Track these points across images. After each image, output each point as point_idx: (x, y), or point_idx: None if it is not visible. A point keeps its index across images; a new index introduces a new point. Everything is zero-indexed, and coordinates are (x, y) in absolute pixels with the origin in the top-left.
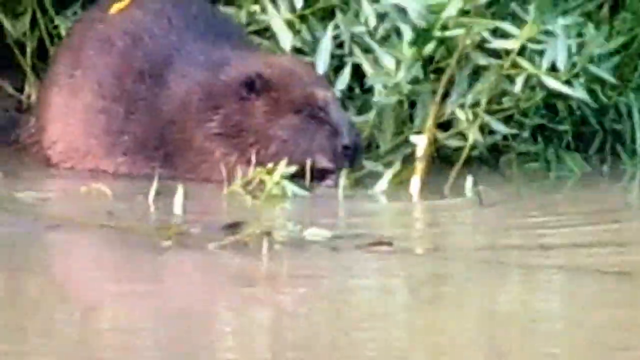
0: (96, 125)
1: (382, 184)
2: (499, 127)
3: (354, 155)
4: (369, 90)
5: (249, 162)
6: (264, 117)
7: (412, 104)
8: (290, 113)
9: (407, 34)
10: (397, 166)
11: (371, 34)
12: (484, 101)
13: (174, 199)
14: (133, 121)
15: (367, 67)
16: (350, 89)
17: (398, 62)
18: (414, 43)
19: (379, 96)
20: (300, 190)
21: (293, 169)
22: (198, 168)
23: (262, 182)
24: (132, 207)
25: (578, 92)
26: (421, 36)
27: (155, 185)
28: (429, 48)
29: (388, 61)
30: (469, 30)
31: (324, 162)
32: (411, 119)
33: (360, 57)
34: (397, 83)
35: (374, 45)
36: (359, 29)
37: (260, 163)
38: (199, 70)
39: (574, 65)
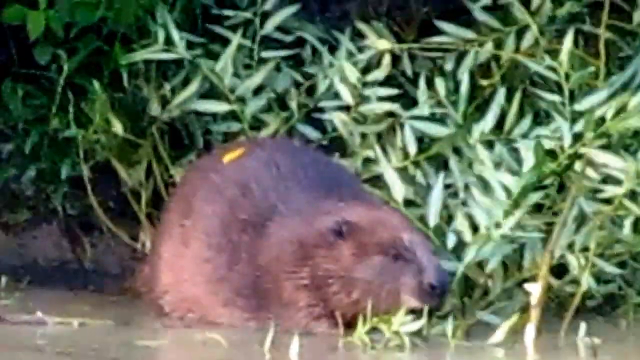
0: (202, 275)
1: (499, 336)
2: (611, 269)
3: (441, 295)
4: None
5: (332, 311)
6: (349, 261)
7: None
8: (376, 255)
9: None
10: (514, 318)
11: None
12: (593, 245)
13: (289, 348)
14: (234, 272)
15: (465, 232)
16: None
17: (507, 213)
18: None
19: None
20: (417, 339)
21: (409, 318)
22: (281, 318)
23: (379, 330)
24: (247, 356)
25: None
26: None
27: (271, 333)
28: (536, 197)
29: (483, 220)
30: (581, 179)
31: (411, 302)
32: (519, 263)
33: (474, 207)
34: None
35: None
36: (473, 178)
37: (344, 309)
38: (297, 221)
39: None
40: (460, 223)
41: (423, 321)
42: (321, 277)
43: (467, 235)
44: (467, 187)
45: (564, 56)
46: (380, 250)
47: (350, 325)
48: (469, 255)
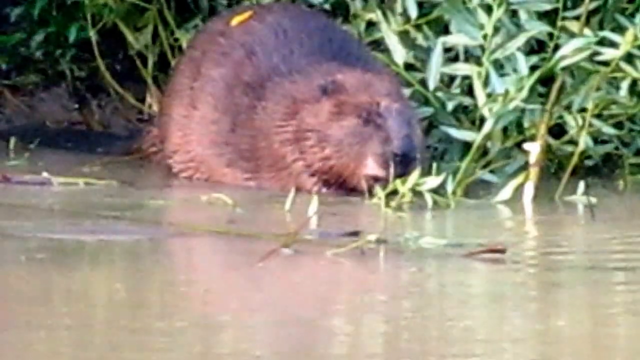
0: (208, 136)
1: (505, 194)
2: (608, 130)
3: (403, 164)
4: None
5: (311, 168)
6: (327, 117)
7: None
8: (349, 116)
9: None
10: (520, 177)
11: (483, 47)
12: (590, 106)
13: (306, 208)
14: (236, 133)
15: (478, 92)
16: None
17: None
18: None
19: (490, 117)
20: (421, 198)
21: (431, 177)
22: (274, 177)
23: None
24: (253, 215)
25: None
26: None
27: (292, 194)
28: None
29: (499, 85)
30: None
31: (372, 167)
32: (518, 124)
33: (474, 79)
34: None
35: (491, 71)
36: (473, 41)
37: (318, 165)
38: (293, 80)
39: None
40: (480, 95)
41: (441, 178)
42: (302, 131)
43: (485, 110)
44: (467, 52)
45: None
46: (354, 112)
47: (331, 185)
48: (486, 127)
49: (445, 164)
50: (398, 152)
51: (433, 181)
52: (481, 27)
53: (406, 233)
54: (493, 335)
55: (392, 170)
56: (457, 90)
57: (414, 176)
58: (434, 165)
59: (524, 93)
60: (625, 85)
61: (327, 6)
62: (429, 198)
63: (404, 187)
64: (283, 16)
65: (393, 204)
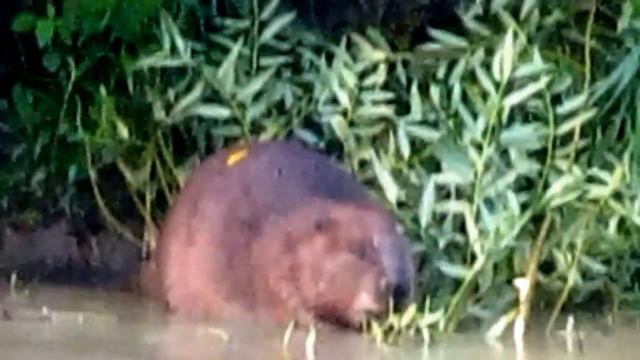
0: (205, 272)
1: (496, 330)
2: (597, 267)
3: (397, 297)
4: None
5: (307, 303)
6: (321, 253)
7: None
8: (343, 251)
9: (511, 178)
10: (511, 314)
11: (474, 185)
12: (579, 243)
13: (304, 343)
14: (232, 269)
15: (470, 229)
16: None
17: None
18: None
19: (481, 255)
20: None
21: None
22: (270, 312)
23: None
24: (249, 350)
25: None
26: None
27: (290, 329)
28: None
29: (490, 223)
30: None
31: (367, 302)
32: (508, 260)
33: (466, 216)
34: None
35: (482, 208)
36: (464, 179)
37: (313, 300)
38: (289, 218)
39: None
40: (472, 232)
41: (439, 314)
42: (297, 267)
43: (477, 246)
44: (458, 189)
45: (539, 65)
46: (348, 248)
47: (327, 319)
48: (478, 264)
49: (437, 300)
50: (392, 285)
51: (430, 317)
52: (472, 164)
53: None
54: None
55: (387, 303)
56: (449, 227)
57: (411, 312)
58: (427, 301)
59: (515, 231)
60: (613, 222)
61: (321, 145)
62: (426, 334)
63: (400, 323)
64: (278, 155)
65: (390, 339)
